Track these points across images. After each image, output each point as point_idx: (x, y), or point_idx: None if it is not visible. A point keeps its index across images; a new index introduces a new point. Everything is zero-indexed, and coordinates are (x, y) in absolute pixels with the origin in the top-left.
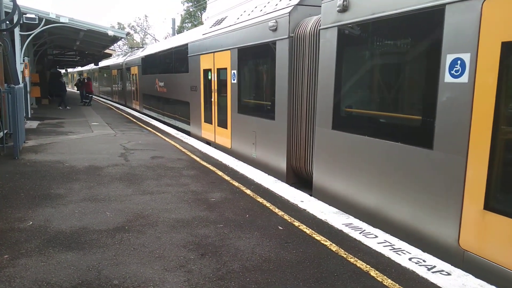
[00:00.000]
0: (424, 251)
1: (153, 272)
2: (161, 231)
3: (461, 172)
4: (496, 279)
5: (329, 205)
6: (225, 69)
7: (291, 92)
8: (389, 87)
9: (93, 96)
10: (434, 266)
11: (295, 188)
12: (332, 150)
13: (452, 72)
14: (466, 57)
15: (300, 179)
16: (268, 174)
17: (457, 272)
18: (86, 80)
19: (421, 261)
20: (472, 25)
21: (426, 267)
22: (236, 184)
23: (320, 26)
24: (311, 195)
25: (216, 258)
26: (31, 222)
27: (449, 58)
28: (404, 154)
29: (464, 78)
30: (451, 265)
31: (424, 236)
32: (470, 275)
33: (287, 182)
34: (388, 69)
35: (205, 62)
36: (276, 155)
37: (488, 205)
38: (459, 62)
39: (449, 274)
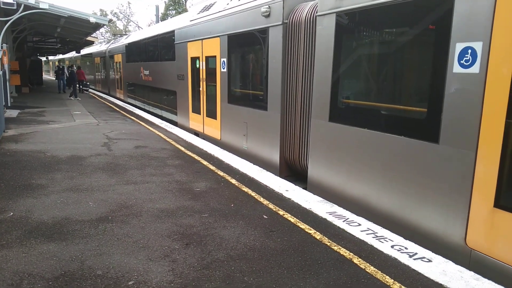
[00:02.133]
0: (430, 249)
1: (137, 262)
2: (145, 221)
3: (470, 167)
4: (506, 281)
5: (327, 200)
6: (214, 57)
7: (285, 82)
8: (392, 77)
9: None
10: (416, 253)
11: (288, 181)
12: (330, 143)
13: (461, 62)
14: (478, 46)
15: (294, 172)
16: (260, 167)
17: (438, 259)
18: (77, 69)
19: (403, 248)
20: (485, 11)
21: (408, 254)
22: (221, 173)
23: (317, 13)
24: (305, 189)
25: (200, 247)
26: (11, 213)
27: (458, 47)
28: (408, 148)
29: (475, 69)
30: (456, 263)
31: (429, 234)
32: (450, 262)
33: (280, 175)
34: (391, 59)
35: (193, 50)
36: (268, 147)
37: (499, 203)
38: (469, 51)
39: (430, 261)
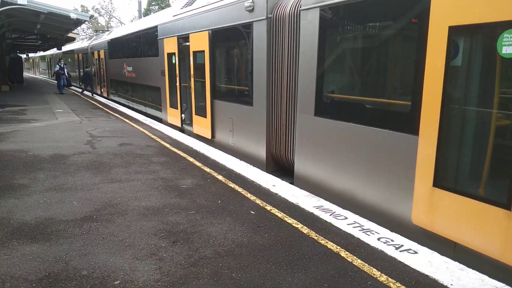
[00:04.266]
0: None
1: (123, 261)
2: (131, 219)
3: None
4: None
5: (313, 194)
6: (203, 51)
7: (270, 77)
8: (375, 71)
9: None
10: (402, 245)
11: (275, 176)
12: (315, 137)
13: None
14: (460, 39)
15: (281, 167)
16: (247, 162)
17: (423, 250)
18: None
19: (389, 240)
20: None
21: (394, 247)
22: (207, 170)
23: (300, 7)
24: (292, 183)
25: (188, 245)
26: None
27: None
28: (392, 141)
29: (457, 61)
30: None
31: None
32: (436, 253)
33: (266, 170)
34: (374, 53)
35: (168, 46)
36: (255, 142)
37: (437, 182)
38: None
39: (416, 252)
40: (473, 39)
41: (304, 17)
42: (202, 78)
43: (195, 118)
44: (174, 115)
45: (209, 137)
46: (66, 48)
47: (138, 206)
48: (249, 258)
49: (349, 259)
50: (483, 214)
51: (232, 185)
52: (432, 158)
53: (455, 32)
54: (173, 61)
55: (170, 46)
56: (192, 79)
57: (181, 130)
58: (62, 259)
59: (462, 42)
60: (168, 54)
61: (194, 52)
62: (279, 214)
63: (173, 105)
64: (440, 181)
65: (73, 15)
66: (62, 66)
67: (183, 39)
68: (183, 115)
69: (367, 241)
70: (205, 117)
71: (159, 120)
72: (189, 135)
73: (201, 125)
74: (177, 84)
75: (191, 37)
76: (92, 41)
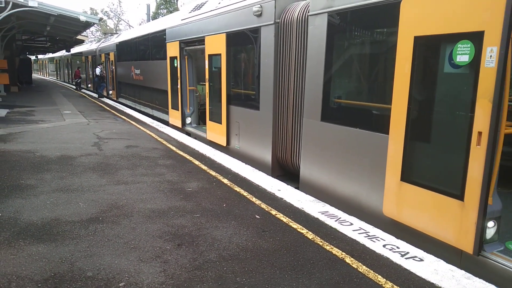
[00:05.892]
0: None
1: (128, 263)
2: (136, 221)
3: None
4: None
5: (319, 199)
6: (219, 55)
7: (277, 82)
8: (383, 77)
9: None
10: (408, 253)
11: (280, 180)
12: (321, 142)
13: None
14: (425, 48)
15: (286, 171)
16: (252, 166)
17: (429, 258)
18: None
19: (394, 247)
20: None
21: (400, 254)
22: (213, 173)
23: (308, 12)
24: (297, 188)
25: (192, 248)
26: (0, 214)
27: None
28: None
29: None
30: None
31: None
32: (442, 261)
33: (272, 175)
34: (382, 58)
35: (171, 50)
36: (261, 147)
37: (404, 177)
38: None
39: (421, 260)
40: (434, 48)
41: (312, 22)
42: (217, 82)
43: (209, 124)
44: (175, 117)
45: (224, 144)
46: (75, 50)
47: (143, 208)
48: (254, 263)
49: (354, 266)
50: (441, 204)
51: (237, 189)
52: (399, 156)
53: (419, 41)
54: (175, 64)
55: (172, 50)
56: (207, 84)
57: (187, 133)
58: (67, 260)
59: (426, 50)
60: (171, 57)
61: (210, 56)
62: (284, 219)
63: (174, 107)
64: (406, 176)
65: (82, 18)
66: (101, 69)
67: (190, 43)
68: (189, 118)
69: (372, 247)
70: (220, 123)
71: (166, 123)
72: (195, 138)
73: (216, 131)
74: (178, 86)
75: (207, 40)
76: (101, 43)
